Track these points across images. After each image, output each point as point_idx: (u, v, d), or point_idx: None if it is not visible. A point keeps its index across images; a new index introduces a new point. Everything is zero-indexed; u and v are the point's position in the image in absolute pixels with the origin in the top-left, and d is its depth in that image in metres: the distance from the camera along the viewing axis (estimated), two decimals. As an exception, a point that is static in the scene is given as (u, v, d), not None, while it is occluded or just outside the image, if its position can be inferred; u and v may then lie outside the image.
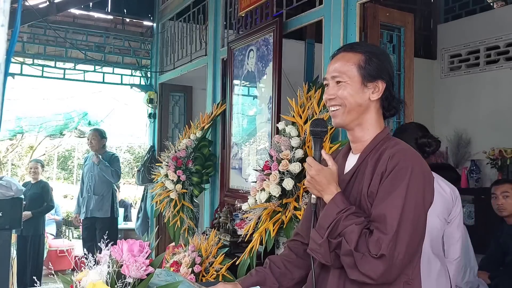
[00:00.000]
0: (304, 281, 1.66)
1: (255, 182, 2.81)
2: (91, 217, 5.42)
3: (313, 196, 1.49)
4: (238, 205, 3.10)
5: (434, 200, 1.44)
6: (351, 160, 1.54)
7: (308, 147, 2.60)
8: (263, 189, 2.69)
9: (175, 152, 3.98)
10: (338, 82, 1.48)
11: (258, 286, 1.61)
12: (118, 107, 7.46)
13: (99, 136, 5.55)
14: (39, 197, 5.77)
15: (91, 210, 5.42)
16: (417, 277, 1.43)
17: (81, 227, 6.22)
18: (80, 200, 5.58)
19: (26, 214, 5.44)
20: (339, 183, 1.45)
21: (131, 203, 10.34)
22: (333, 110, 1.50)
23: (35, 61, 5.52)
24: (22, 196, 4.33)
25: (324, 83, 1.55)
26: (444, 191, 2.27)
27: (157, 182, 4.11)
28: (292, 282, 1.64)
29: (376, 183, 1.38)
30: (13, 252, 4.48)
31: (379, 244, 1.28)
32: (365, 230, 1.32)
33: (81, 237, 7.62)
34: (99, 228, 5.32)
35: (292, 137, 2.68)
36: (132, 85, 6.09)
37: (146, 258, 1.29)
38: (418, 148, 2.15)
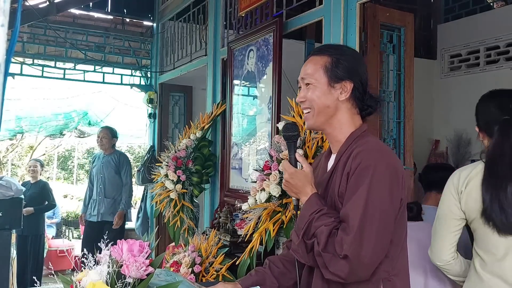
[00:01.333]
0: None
1: (255, 182, 2.81)
2: (101, 221, 5.22)
3: (293, 198, 1.53)
4: (238, 205, 3.10)
5: None
6: (331, 160, 1.56)
7: (308, 147, 2.60)
8: (263, 189, 2.69)
9: (175, 152, 3.98)
10: (307, 84, 1.52)
11: (258, 286, 1.62)
12: (118, 107, 7.45)
13: (110, 135, 5.39)
14: (39, 196, 5.77)
15: (103, 213, 5.24)
16: (400, 273, 1.44)
17: (82, 227, 6.20)
18: (90, 201, 5.38)
19: (28, 210, 5.41)
20: (320, 184, 1.49)
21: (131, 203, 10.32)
22: (305, 113, 1.55)
23: (35, 61, 5.53)
24: (22, 196, 4.33)
25: (298, 86, 1.60)
26: None
27: (157, 182, 4.11)
28: (291, 281, 1.65)
29: (344, 184, 1.40)
30: (13, 252, 4.48)
31: (341, 244, 1.30)
32: (334, 230, 1.34)
33: (81, 237, 7.62)
34: (107, 232, 5.17)
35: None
36: (132, 85, 6.09)
37: (146, 258, 1.29)
38: None
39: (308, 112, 1.53)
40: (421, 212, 2.58)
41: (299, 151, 1.54)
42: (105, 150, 5.38)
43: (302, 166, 1.50)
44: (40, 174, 6.05)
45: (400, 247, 1.44)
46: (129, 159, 5.65)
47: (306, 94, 1.52)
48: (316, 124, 1.53)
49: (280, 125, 2.81)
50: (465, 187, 1.92)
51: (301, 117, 2.72)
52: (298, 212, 1.51)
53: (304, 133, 2.65)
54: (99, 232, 5.06)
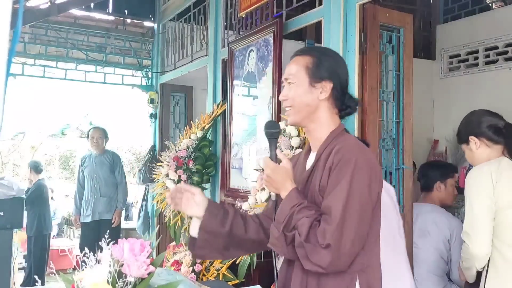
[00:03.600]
0: (248, 247, 1.77)
1: (255, 182, 2.83)
2: (98, 220, 5.23)
3: (272, 193, 1.57)
4: (239, 205, 3.11)
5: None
6: (311, 158, 1.62)
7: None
8: (263, 189, 2.70)
9: (176, 152, 3.99)
10: (289, 83, 1.58)
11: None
12: (119, 107, 7.47)
13: (104, 135, 5.44)
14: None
15: (100, 212, 5.24)
16: (374, 265, 1.50)
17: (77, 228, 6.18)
18: (82, 202, 5.36)
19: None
20: (299, 181, 1.54)
21: (132, 203, 10.34)
22: (287, 110, 1.61)
23: (37, 61, 5.54)
24: (24, 196, 4.35)
25: (282, 85, 1.66)
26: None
27: (158, 181, 4.12)
28: (241, 236, 1.68)
29: (326, 178, 1.45)
30: (14, 252, 4.49)
31: (324, 234, 1.34)
32: (315, 222, 1.38)
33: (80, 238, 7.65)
34: (104, 231, 5.18)
35: (292, 137, 2.70)
36: (133, 86, 6.10)
37: (147, 257, 1.31)
38: None
39: (289, 110, 1.60)
40: None
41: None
42: (99, 150, 5.40)
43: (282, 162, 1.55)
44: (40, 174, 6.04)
45: (374, 240, 1.50)
46: (130, 158, 5.66)
47: (288, 93, 1.58)
48: (297, 120, 1.60)
49: (280, 125, 2.82)
50: (500, 178, 2.04)
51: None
52: (275, 207, 1.55)
53: (304, 133, 2.66)
54: (96, 232, 5.12)
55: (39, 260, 5.71)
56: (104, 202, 5.29)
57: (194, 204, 1.63)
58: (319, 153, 1.55)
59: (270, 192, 1.58)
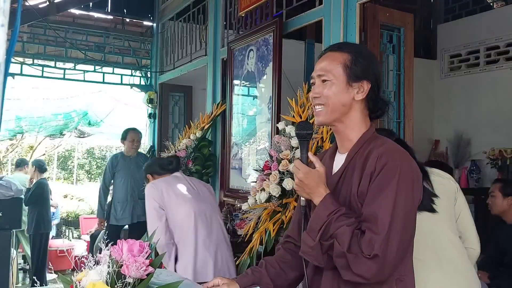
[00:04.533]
0: (298, 281, 1.67)
1: (255, 182, 2.81)
2: (136, 222, 5.03)
3: (302, 198, 1.50)
4: (238, 205, 3.10)
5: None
6: (338, 160, 1.54)
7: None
8: (263, 189, 2.69)
9: (175, 152, 3.98)
10: (323, 80, 1.48)
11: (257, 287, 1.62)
12: (118, 107, 7.45)
13: (140, 137, 5.19)
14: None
15: (138, 215, 5.01)
16: (410, 273, 1.44)
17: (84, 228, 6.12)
18: (116, 205, 5.10)
19: None
20: (327, 184, 1.45)
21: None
22: (317, 109, 1.51)
23: (35, 61, 5.53)
24: (22, 196, 4.33)
25: (311, 82, 1.56)
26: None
27: (157, 182, 4.10)
28: (286, 283, 1.65)
29: (366, 184, 1.38)
30: (13, 252, 4.48)
31: (371, 244, 1.28)
32: (356, 231, 1.32)
33: (81, 237, 7.62)
34: (142, 232, 4.87)
35: (292, 137, 2.69)
36: (132, 85, 6.09)
37: (146, 258, 1.29)
38: None
39: (321, 109, 1.49)
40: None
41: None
42: (134, 153, 5.15)
43: (315, 166, 1.46)
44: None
45: (411, 249, 1.45)
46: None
47: (322, 90, 1.48)
48: (328, 121, 1.50)
49: (280, 125, 2.81)
50: None
51: (301, 117, 2.72)
52: (306, 213, 1.49)
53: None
54: (133, 234, 4.82)
55: (37, 260, 5.69)
56: (142, 204, 5.13)
57: None
58: (350, 155, 1.47)
59: (301, 198, 1.51)
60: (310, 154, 1.48)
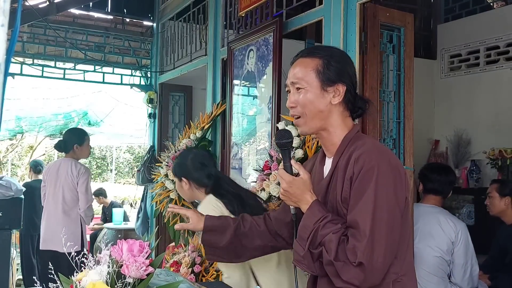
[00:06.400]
0: (256, 252, 1.75)
1: (255, 182, 2.82)
2: None
3: (291, 207, 1.49)
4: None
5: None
6: (327, 164, 1.53)
7: (308, 147, 2.60)
8: (263, 189, 2.69)
9: (175, 152, 3.98)
10: (298, 88, 1.47)
11: None
12: (118, 107, 7.45)
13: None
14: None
15: None
16: (408, 273, 1.43)
17: None
18: None
19: None
20: (317, 190, 1.45)
21: (131, 203, 10.32)
22: (296, 120, 1.50)
23: (35, 61, 5.52)
24: (22, 196, 4.33)
25: (286, 90, 1.54)
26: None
27: (157, 182, 4.11)
28: (247, 246, 1.69)
29: (347, 189, 1.37)
30: (13, 252, 4.48)
31: (355, 252, 1.27)
32: (343, 237, 1.31)
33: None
34: None
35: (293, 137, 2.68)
36: (132, 85, 6.09)
37: (146, 258, 1.29)
38: None
39: (299, 118, 1.49)
40: None
41: (297, 153, 1.52)
42: None
43: (298, 173, 1.46)
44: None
45: (406, 246, 1.43)
46: (129, 158, 5.61)
47: (297, 99, 1.47)
48: (310, 130, 1.50)
49: (280, 125, 2.81)
50: None
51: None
52: (296, 220, 1.48)
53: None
54: None
55: (27, 259, 5.70)
56: None
57: (191, 225, 1.71)
58: (336, 159, 1.46)
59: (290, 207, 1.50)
60: (293, 162, 1.47)
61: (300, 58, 1.51)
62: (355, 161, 1.36)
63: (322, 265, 1.35)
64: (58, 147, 4.34)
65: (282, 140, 1.49)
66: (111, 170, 18.77)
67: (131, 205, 10.54)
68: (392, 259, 1.34)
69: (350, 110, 1.51)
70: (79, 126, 7.59)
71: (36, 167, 6.11)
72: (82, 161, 4.56)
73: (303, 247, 1.37)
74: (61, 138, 4.57)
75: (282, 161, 1.49)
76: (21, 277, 5.94)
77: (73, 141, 4.10)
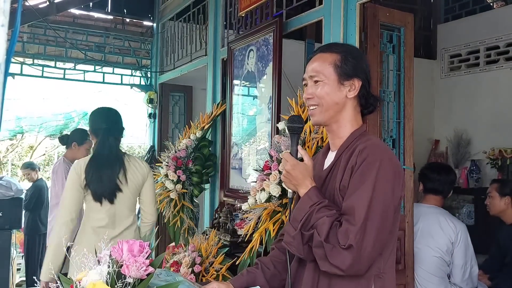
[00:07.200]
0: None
1: (255, 182, 2.81)
2: None
3: (289, 191, 1.54)
4: (238, 205, 3.10)
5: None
6: (330, 157, 1.58)
7: (308, 147, 2.60)
8: (263, 189, 2.69)
9: (175, 152, 3.98)
10: (316, 81, 1.53)
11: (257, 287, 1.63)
12: (118, 107, 7.45)
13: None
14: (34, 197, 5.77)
15: None
16: (389, 271, 1.46)
17: None
18: None
19: None
20: (316, 179, 1.50)
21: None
22: (312, 109, 1.56)
23: (35, 61, 5.52)
24: (22, 196, 4.34)
25: (303, 83, 1.60)
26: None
27: (157, 182, 4.10)
28: (282, 283, 1.67)
29: (347, 178, 1.42)
30: (13, 252, 4.48)
31: (347, 234, 1.31)
32: (336, 222, 1.35)
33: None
34: None
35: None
36: (132, 85, 6.09)
37: (146, 258, 1.29)
38: None
39: (315, 109, 1.54)
40: None
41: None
42: None
43: (302, 160, 1.51)
44: (36, 175, 6.05)
45: (391, 247, 1.46)
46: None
47: (314, 91, 1.53)
48: (323, 120, 1.54)
49: (280, 125, 2.81)
50: None
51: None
52: (292, 205, 1.53)
53: (304, 133, 2.65)
54: None
55: (33, 260, 5.70)
56: None
57: None
58: (339, 153, 1.51)
59: (289, 190, 1.54)
60: (299, 147, 1.53)
61: (319, 53, 1.57)
62: (359, 152, 1.41)
63: (310, 249, 1.38)
64: (61, 139, 4.36)
65: (294, 124, 1.54)
66: (111, 170, 18.65)
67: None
68: (379, 252, 1.38)
69: (363, 106, 1.57)
70: (79, 126, 7.59)
71: (33, 166, 6.14)
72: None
73: (294, 228, 1.41)
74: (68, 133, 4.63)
75: (289, 145, 1.55)
76: (24, 278, 5.94)
77: (74, 138, 4.12)
